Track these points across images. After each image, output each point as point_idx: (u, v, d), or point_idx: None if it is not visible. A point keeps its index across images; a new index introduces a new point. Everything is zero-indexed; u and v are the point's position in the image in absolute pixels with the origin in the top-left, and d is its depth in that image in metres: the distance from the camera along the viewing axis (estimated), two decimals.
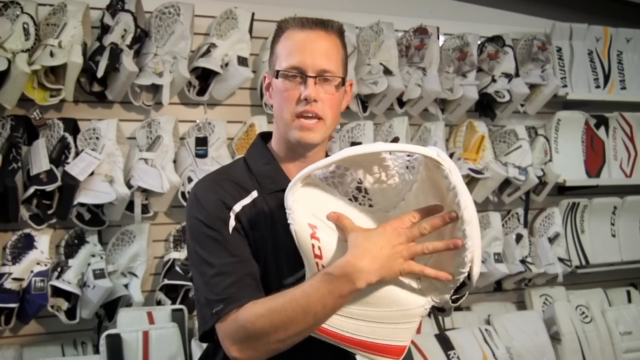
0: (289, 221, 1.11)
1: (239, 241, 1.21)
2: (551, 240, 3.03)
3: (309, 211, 1.12)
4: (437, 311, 1.24)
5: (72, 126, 2.26)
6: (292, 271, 1.24)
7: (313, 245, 1.10)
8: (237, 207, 1.23)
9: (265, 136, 1.39)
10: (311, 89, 1.23)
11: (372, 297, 1.12)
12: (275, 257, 1.25)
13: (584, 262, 3.13)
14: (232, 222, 1.21)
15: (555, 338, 2.82)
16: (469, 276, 1.10)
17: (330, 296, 1.07)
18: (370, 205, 1.20)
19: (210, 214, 1.22)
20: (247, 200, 1.25)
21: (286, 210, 1.11)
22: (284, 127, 1.28)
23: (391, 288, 1.12)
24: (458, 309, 2.85)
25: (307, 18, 1.27)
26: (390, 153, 1.16)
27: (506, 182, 2.89)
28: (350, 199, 1.19)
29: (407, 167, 1.16)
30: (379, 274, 1.07)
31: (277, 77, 1.27)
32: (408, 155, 1.14)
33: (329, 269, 1.08)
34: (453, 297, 1.14)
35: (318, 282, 1.08)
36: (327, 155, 1.35)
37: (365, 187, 1.20)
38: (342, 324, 1.13)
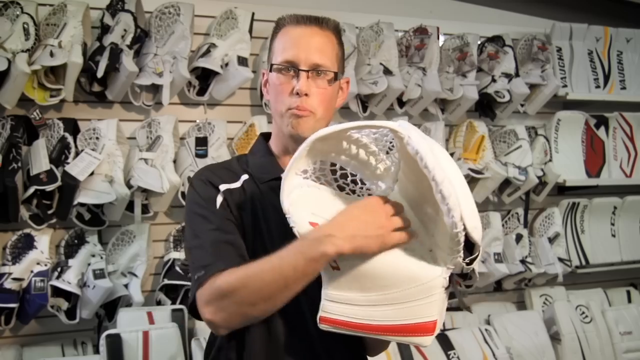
0: (290, 225, 1.11)
1: (224, 215, 1.25)
2: (551, 240, 3.03)
3: (308, 211, 1.13)
4: (462, 280, 1.18)
5: (72, 126, 2.25)
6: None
7: None
8: (223, 187, 1.28)
9: (268, 136, 1.42)
10: (303, 83, 1.24)
11: (387, 279, 1.10)
12: (270, 239, 1.26)
13: (584, 262, 3.13)
14: (219, 199, 1.26)
15: (555, 338, 2.82)
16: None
17: (302, 258, 1.07)
18: (370, 194, 1.20)
19: (200, 195, 1.28)
20: (236, 184, 1.30)
21: (286, 216, 1.12)
22: (279, 120, 1.31)
23: (403, 265, 1.10)
24: (458, 308, 2.85)
25: (304, 15, 1.30)
26: (367, 136, 1.14)
27: (506, 182, 2.88)
28: (348, 193, 1.20)
29: (390, 148, 1.15)
30: (352, 244, 1.06)
31: (271, 71, 1.30)
32: (385, 136, 1.13)
33: (305, 234, 1.10)
34: (466, 261, 1.08)
35: (292, 246, 1.09)
36: None
37: (361, 179, 1.20)
38: (367, 314, 1.12)
